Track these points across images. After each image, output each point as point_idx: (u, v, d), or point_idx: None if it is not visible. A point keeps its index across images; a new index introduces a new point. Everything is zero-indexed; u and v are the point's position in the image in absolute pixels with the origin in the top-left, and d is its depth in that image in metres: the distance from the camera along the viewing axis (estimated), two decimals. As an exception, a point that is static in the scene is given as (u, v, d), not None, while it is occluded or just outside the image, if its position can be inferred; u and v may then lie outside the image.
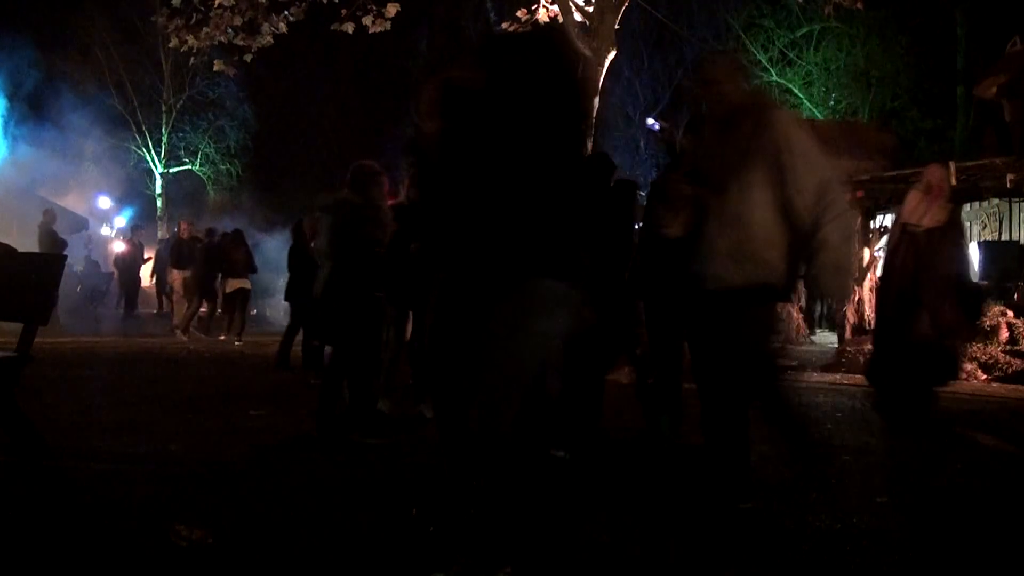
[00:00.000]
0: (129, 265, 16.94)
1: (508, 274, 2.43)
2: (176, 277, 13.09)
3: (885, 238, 12.67)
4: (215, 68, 10.84)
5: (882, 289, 5.56)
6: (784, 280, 3.34)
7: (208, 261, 12.10)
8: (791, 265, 3.34)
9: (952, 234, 4.96)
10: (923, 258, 4.88)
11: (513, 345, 2.44)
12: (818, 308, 16.16)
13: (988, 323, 8.95)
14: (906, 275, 4.94)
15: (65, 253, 10.29)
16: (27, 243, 10.23)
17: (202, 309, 12.64)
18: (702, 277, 3.37)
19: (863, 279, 11.18)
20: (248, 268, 11.92)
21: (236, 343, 11.33)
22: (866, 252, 11.24)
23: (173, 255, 13.53)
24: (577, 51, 2.66)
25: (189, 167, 27.54)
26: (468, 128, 2.42)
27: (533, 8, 10.00)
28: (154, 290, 18.26)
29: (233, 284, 11.80)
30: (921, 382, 4.87)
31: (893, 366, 4.98)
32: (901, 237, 5.09)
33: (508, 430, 2.42)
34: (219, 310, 12.61)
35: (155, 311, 17.45)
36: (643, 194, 7.35)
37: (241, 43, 9.81)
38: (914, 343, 4.81)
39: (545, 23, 2.41)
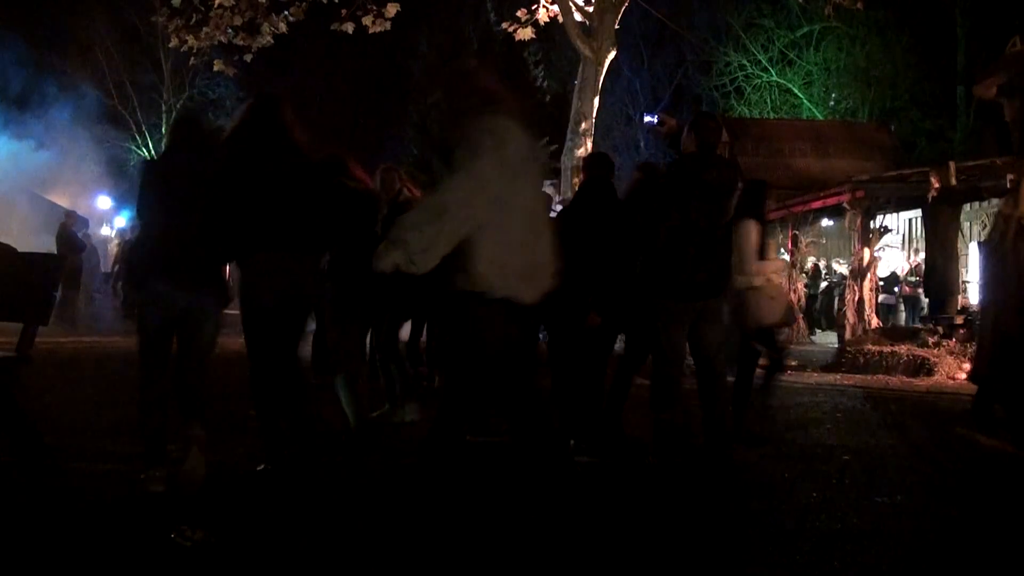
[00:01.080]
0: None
1: None
2: None
3: (886, 238, 12.69)
4: (215, 68, 10.87)
5: (997, 285, 5.29)
6: (479, 277, 2.88)
7: None
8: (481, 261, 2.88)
9: None
10: None
11: None
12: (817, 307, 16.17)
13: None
14: None
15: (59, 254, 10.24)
16: (25, 243, 10.18)
17: None
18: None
19: (863, 279, 11.15)
20: None
21: None
22: (866, 252, 11.20)
23: None
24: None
25: (189, 167, 27.50)
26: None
27: (533, 8, 10.02)
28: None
29: None
30: None
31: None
32: (1019, 232, 4.97)
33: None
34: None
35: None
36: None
37: (241, 43, 9.83)
38: None
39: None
